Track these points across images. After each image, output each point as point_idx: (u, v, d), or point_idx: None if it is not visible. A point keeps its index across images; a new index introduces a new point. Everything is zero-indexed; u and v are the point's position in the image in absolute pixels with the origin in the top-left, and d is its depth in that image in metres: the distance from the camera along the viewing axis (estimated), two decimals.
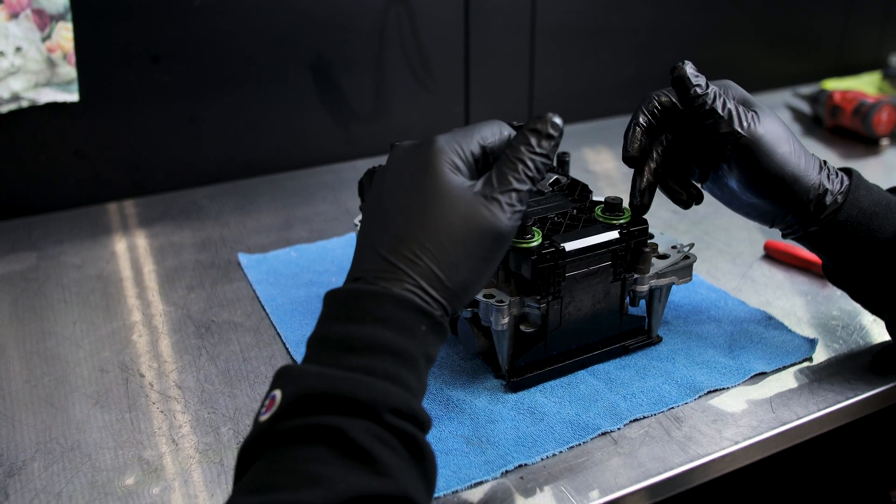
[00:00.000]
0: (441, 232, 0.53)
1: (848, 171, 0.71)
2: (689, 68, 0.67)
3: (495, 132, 0.58)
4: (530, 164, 0.56)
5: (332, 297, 0.54)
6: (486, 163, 0.57)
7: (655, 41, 1.45)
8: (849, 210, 0.68)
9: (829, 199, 0.69)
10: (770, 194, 0.68)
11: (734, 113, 0.67)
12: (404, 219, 0.54)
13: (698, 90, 0.67)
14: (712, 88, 0.67)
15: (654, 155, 0.71)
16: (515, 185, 0.55)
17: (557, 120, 0.57)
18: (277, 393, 0.49)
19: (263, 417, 0.49)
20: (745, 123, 0.67)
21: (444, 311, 0.54)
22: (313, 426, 0.47)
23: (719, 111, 0.67)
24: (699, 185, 0.75)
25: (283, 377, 0.50)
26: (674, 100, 0.70)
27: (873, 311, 0.75)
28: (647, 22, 1.43)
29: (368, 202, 0.58)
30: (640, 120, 0.70)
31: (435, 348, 0.54)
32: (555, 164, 0.85)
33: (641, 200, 0.71)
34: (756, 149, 0.67)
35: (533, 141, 0.56)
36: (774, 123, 0.68)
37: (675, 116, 0.70)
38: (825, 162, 0.71)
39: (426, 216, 0.53)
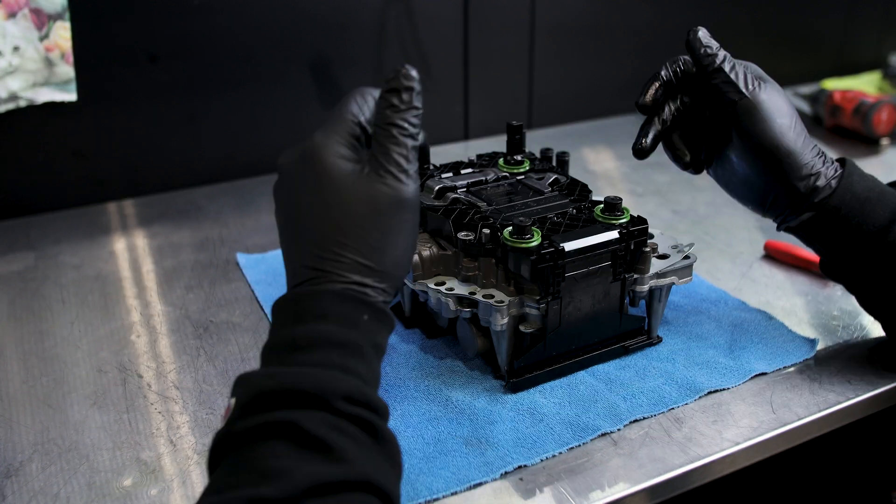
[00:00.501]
0: (353, 224, 0.54)
1: (842, 161, 0.72)
2: (702, 32, 0.71)
3: (363, 103, 0.57)
4: (403, 123, 0.56)
5: (276, 307, 0.56)
6: (367, 135, 0.57)
7: (655, 41, 1.45)
8: (842, 195, 0.69)
9: (822, 181, 0.69)
10: (764, 162, 0.69)
11: (740, 75, 0.69)
12: (315, 224, 0.55)
13: (708, 50, 0.70)
14: (723, 52, 0.70)
15: (667, 108, 0.73)
16: (397, 150, 0.55)
17: (410, 70, 0.56)
18: (232, 400, 0.50)
19: (223, 423, 0.50)
20: (749, 87, 0.69)
21: (384, 296, 0.55)
22: (268, 423, 0.47)
23: (726, 70, 0.69)
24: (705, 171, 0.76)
25: (236, 385, 0.51)
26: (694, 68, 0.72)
27: (867, 306, 0.75)
28: (646, 22, 1.43)
29: (278, 220, 0.59)
30: (661, 73, 0.73)
31: (382, 336, 0.55)
32: (554, 163, 0.85)
33: (645, 142, 0.72)
34: (755, 112, 0.68)
35: (395, 100, 0.56)
36: (778, 95, 0.70)
37: (693, 83, 0.73)
38: (822, 151, 0.71)
39: (333, 214, 0.54)
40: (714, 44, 0.70)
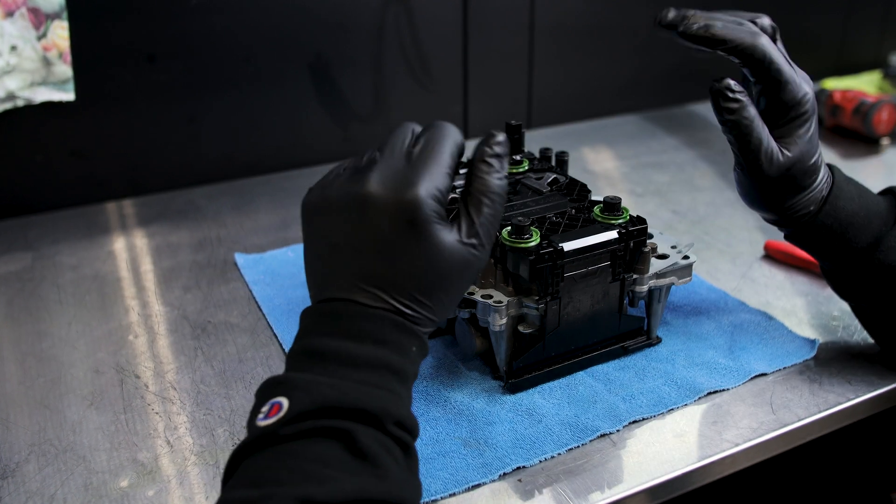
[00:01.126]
0: (438, 288, 0.55)
1: (831, 168, 0.70)
2: (729, 88, 0.64)
3: (456, 151, 0.56)
4: (503, 192, 0.56)
5: (319, 313, 0.55)
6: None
7: (655, 41, 1.45)
8: (824, 218, 0.68)
9: (816, 194, 0.67)
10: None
11: (764, 153, 0.64)
12: (399, 271, 0.54)
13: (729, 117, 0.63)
14: (748, 111, 0.64)
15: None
16: (492, 219, 0.56)
17: (501, 137, 0.57)
18: (283, 400, 0.49)
19: (266, 422, 0.49)
20: (773, 165, 0.64)
21: (430, 328, 0.57)
22: (321, 428, 0.48)
23: (751, 147, 0.64)
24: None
25: (286, 385, 0.51)
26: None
27: (859, 316, 0.76)
28: (646, 22, 1.42)
29: (333, 235, 0.55)
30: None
31: (419, 365, 0.56)
32: (553, 163, 0.85)
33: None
34: (764, 185, 0.66)
35: (498, 165, 0.56)
36: (805, 157, 0.65)
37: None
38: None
39: (423, 274, 0.54)
40: (744, 104, 0.63)
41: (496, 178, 0.56)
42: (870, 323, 0.75)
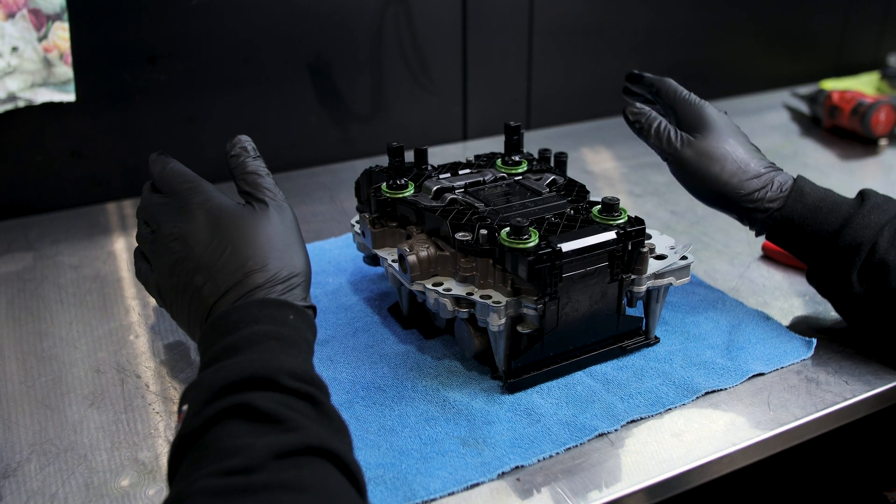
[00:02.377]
0: (252, 248, 0.62)
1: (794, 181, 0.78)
2: (633, 108, 0.82)
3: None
4: (260, 165, 0.69)
5: (203, 337, 0.59)
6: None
7: (654, 41, 1.45)
8: (792, 206, 0.76)
9: (772, 195, 0.76)
10: (708, 200, 0.79)
11: (664, 136, 0.79)
12: (219, 260, 0.61)
13: (637, 121, 0.81)
14: (651, 114, 0.81)
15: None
16: (266, 182, 0.67)
17: (239, 137, 0.69)
18: (185, 406, 0.52)
19: (175, 431, 0.51)
20: (675, 144, 0.78)
21: (300, 300, 0.61)
22: (221, 409, 0.50)
23: (652, 133, 0.80)
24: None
25: (183, 396, 0.54)
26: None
27: (838, 310, 0.79)
28: (645, 22, 1.43)
29: (173, 274, 0.63)
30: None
31: (310, 333, 0.59)
32: (552, 164, 0.85)
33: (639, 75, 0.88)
34: (684, 168, 0.78)
35: (245, 155, 0.69)
36: (713, 140, 0.77)
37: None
38: (775, 168, 0.78)
39: (235, 245, 0.62)
40: (644, 111, 0.81)
41: (248, 160, 0.68)
42: (854, 321, 0.77)
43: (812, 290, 0.88)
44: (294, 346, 0.56)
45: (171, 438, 0.53)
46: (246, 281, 0.60)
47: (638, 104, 0.82)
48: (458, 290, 0.69)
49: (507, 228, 0.67)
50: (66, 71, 1.02)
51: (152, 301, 0.88)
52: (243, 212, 0.64)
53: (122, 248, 1.00)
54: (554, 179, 0.79)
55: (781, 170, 0.79)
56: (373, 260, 0.85)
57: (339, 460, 0.49)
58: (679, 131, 0.79)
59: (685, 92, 0.82)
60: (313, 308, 0.63)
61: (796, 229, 0.76)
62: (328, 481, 0.47)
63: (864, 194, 0.76)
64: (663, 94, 0.83)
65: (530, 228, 0.68)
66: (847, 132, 1.37)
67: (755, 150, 0.79)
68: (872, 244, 0.72)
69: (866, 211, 0.74)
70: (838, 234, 0.74)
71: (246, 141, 0.69)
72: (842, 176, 1.21)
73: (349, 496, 0.48)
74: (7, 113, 1.01)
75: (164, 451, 0.66)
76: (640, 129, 0.80)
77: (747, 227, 0.79)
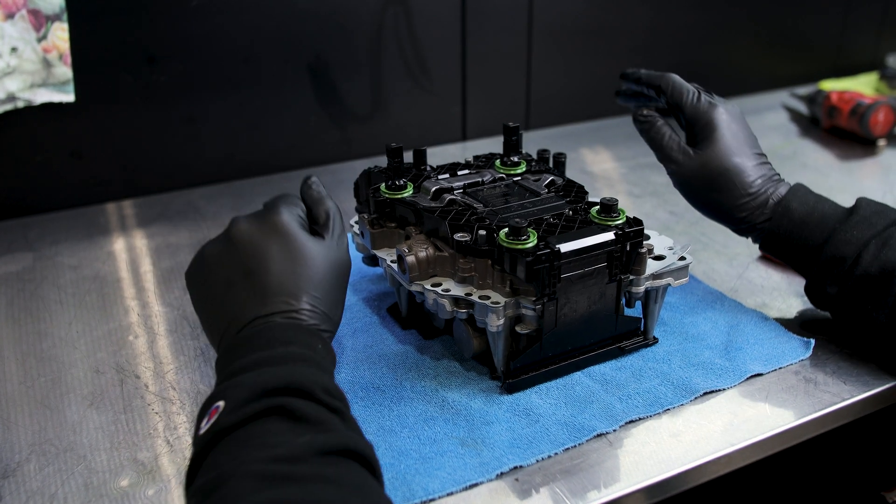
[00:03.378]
0: (313, 278, 0.65)
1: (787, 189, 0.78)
2: (640, 113, 0.81)
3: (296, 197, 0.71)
4: (329, 202, 0.71)
5: (228, 348, 0.61)
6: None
7: (653, 42, 1.46)
8: (779, 221, 0.76)
9: (763, 202, 0.77)
10: (712, 177, 0.78)
11: (667, 148, 0.79)
12: (277, 278, 0.64)
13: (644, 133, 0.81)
14: (655, 128, 0.80)
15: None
16: (334, 219, 0.70)
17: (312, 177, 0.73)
18: (220, 402, 0.53)
19: (208, 425, 0.52)
20: (679, 158, 0.78)
21: (328, 333, 0.64)
22: (260, 410, 0.52)
23: (657, 146, 0.80)
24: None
25: (218, 394, 0.55)
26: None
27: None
28: (644, 22, 1.43)
29: (224, 277, 0.65)
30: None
31: (330, 363, 0.62)
32: (551, 164, 0.85)
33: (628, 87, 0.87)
34: (683, 181, 0.79)
35: (314, 189, 0.72)
36: (714, 160, 0.77)
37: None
38: (777, 177, 0.78)
39: (297, 269, 0.64)
40: (650, 120, 0.80)
41: (316, 189, 0.72)
42: (853, 333, 0.79)
43: None
44: (324, 371, 0.59)
45: (194, 433, 0.54)
46: (298, 307, 0.63)
47: (646, 111, 0.80)
48: (457, 290, 0.69)
49: (506, 229, 0.68)
50: (65, 71, 1.02)
51: (152, 301, 0.88)
52: (316, 243, 0.67)
53: (122, 248, 1.01)
54: (553, 180, 0.80)
55: (783, 180, 0.79)
56: (372, 260, 0.85)
57: (370, 465, 0.52)
58: (682, 146, 0.78)
59: (691, 93, 0.79)
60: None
61: (783, 243, 0.77)
62: (365, 481, 0.50)
63: (856, 206, 0.76)
64: (667, 93, 0.80)
65: (529, 229, 0.68)
66: (846, 133, 1.37)
67: (760, 162, 0.78)
68: (855, 258, 0.72)
69: (850, 226, 0.74)
70: (821, 248, 0.74)
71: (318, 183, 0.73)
72: (840, 176, 1.21)
73: (384, 499, 0.50)
74: (6, 113, 1.02)
75: (163, 451, 0.66)
76: (649, 138, 0.80)
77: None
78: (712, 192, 0.77)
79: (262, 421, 0.51)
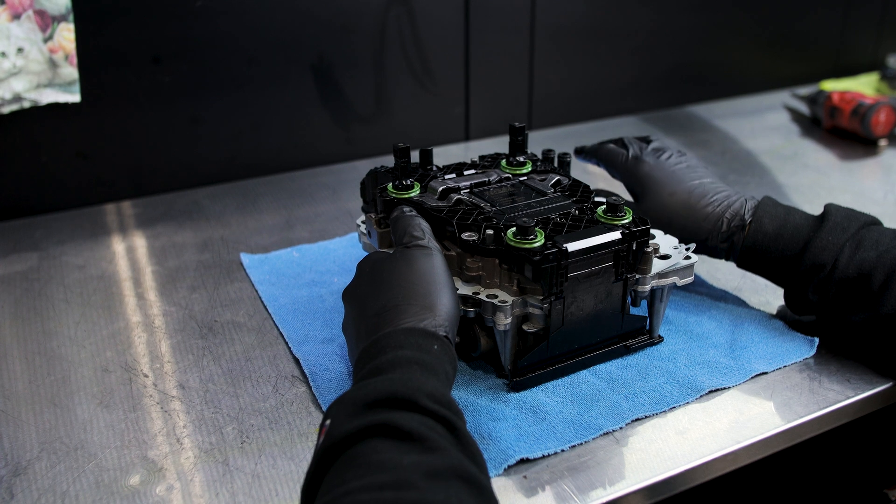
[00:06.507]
0: (415, 285, 0.65)
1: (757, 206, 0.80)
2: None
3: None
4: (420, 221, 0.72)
5: (358, 361, 0.61)
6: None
7: (655, 43, 1.46)
8: (753, 237, 0.77)
9: (727, 225, 0.79)
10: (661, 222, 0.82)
11: (624, 150, 0.87)
12: (392, 293, 0.65)
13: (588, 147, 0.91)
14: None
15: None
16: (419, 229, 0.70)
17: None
18: (327, 421, 0.54)
19: (318, 444, 0.53)
20: (636, 157, 0.86)
21: (445, 331, 0.62)
22: (364, 427, 0.51)
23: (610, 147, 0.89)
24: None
25: (329, 410, 0.56)
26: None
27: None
28: (646, 23, 1.43)
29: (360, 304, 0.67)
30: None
31: (450, 366, 0.61)
32: (556, 164, 0.86)
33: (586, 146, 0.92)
34: (645, 183, 0.84)
35: (408, 211, 0.74)
36: (651, 207, 0.82)
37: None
38: (735, 196, 0.81)
39: (406, 283, 0.65)
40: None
41: (397, 211, 0.73)
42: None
43: None
44: (434, 374, 0.58)
45: (313, 451, 0.55)
46: (422, 320, 0.63)
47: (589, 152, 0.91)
48: (465, 289, 0.70)
49: (513, 228, 0.68)
50: (71, 72, 1.03)
51: (158, 300, 0.88)
52: (419, 254, 0.67)
53: (127, 248, 1.01)
54: (559, 180, 0.80)
55: (738, 195, 0.81)
56: None
57: (479, 487, 0.50)
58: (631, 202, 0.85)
59: (621, 156, 0.86)
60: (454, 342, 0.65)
61: (761, 258, 0.78)
62: None
63: (825, 212, 0.77)
64: (604, 164, 0.89)
65: (536, 228, 0.68)
66: (847, 133, 1.37)
67: (700, 193, 0.81)
68: (833, 263, 0.73)
69: (825, 232, 0.75)
70: (800, 258, 0.75)
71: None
72: (842, 176, 1.22)
73: None
74: (12, 114, 1.02)
75: (172, 450, 0.66)
76: (597, 155, 0.90)
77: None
78: (672, 231, 0.81)
79: (366, 441, 0.51)
